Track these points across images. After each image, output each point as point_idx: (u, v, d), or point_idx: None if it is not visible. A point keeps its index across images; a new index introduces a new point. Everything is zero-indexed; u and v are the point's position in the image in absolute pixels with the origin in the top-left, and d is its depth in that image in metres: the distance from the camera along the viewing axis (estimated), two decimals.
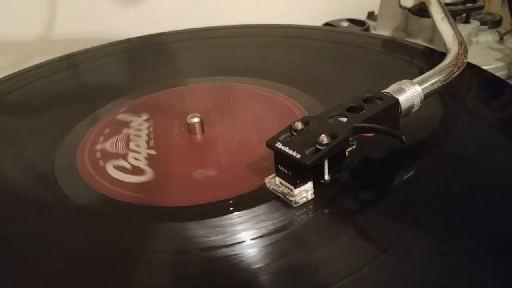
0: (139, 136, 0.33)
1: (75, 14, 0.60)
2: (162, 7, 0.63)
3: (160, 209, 0.26)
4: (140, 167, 0.30)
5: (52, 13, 0.59)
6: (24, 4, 0.58)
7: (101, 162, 0.30)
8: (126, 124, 0.35)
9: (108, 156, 0.31)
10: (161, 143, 0.32)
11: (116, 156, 0.31)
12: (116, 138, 0.33)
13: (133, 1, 0.63)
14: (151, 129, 0.34)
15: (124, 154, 0.31)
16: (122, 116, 0.36)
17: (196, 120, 0.32)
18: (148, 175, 0.29)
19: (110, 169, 0.30)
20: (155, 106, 0.38)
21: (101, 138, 0.33)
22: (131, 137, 0.33)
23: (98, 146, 0.32)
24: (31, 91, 0.43)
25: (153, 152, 0.31)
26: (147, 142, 0.32)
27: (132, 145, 0.32)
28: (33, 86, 0.43)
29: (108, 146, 0.32)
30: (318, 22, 0.58)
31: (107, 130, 0.34)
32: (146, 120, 0.35)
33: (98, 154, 0.31)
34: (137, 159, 0.30)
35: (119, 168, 0.30)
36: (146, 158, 0.30)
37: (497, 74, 0.43)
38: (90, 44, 0.51)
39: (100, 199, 0.27)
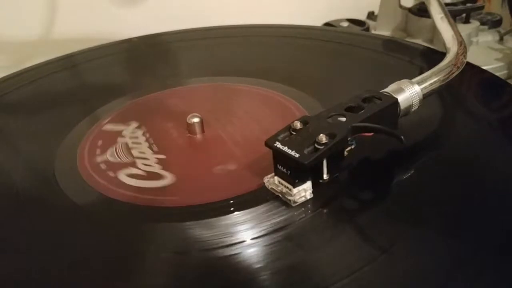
0: (139, 143, 0.32)
1: (75, 14, 0.60)
2: (162, 7, 0.63)
3: (160, 209, 0.26)
4: (156, 172, 0.29)
5: (52, 13, 0.59)
6: (24, 4, 0.58)
7: (111, 173, 0.30)
8: (118, 134, 0.34)
9: (115, 166, 0.30)
10: (165, 146, 0.32)
11: (124, 165, 0.30)
12: (114, 148, 0.32)
13: (133, 1, 0.63)
14: (147, 134, 0.33)
15: (132, 162, 0.30)
16: (110, 127, 0.35)
17: (196, 120, 0.32)
18: (169, 178, 0.29)
19: (124, 177, 0.29)
20: (142, 111, 0.37)
21: (98, 151, 0.32)
22: (130, 145, 0.32)
23: (99, 159, 0.31)
24: (31, 91, 0.43)
25: (162, 156, 0.31)
26: (151, 147, 0.32)
27: (135, 153, 0.31)
28: (33, 86, 0.43)
29: (110, 156, 0.31)
30: (318, 22, 0.58)
31: (100, 142, 0.33)
32: (138, 127, 0.34)
33: (103, 166, 0.30)
34: (148, 165, 0.30)
35: (133, 176, 0.29)
36: (157, 163, 0.30)
37: (497, 74, 0.42)
38: (90, 44, 0.51)
39: (100, 199, 0.27)
